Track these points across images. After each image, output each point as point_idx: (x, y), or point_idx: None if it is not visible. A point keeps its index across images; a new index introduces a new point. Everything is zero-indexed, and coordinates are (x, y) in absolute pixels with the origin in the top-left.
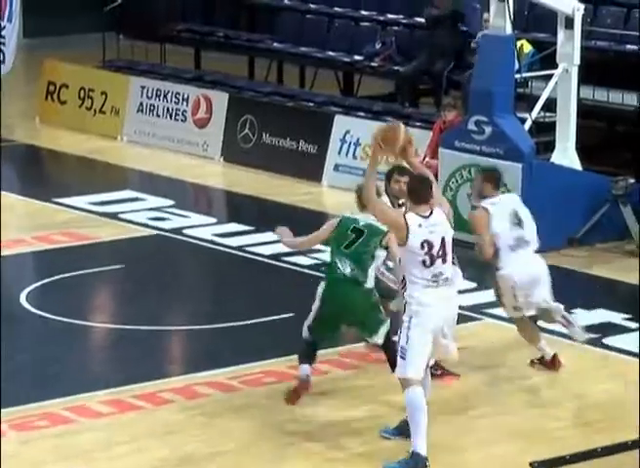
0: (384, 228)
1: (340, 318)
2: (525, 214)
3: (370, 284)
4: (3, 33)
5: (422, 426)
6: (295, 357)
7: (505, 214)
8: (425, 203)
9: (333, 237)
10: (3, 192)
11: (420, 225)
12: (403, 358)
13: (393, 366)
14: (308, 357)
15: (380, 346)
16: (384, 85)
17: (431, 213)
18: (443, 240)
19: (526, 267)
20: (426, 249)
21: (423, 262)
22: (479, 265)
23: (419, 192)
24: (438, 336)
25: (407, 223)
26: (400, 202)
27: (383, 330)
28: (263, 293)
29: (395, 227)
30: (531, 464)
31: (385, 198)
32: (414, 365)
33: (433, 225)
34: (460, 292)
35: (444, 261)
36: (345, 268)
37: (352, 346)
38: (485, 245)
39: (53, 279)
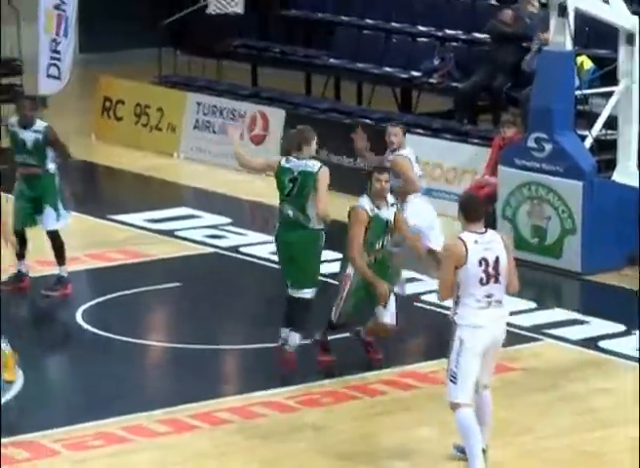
0: (316, 170)
1: (287, 256)
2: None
3: (313, 225)
4: (59, 48)
5: (476, 448)
6: (350, 377)
7: None
8: (478, 220)
9: (277, 187)
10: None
11: (476, 241)
12: (454, 382)
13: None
14: None
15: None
16: (443, 101)
17: (486, 230)
18: (497, 259)
19: None
20: (484, 266)
21: (480, 280)
22: (540, 286)
23: (471, 209)
24: (486, 357)
25: (464, 242)
26: (390, 203)
27: (310, 292)
28: (320, 313)
29: (455, 251)
30: None
31: (366, 199)
32: (464, 390)
33: (488, 243)
34: (520, 311)
35: (496, 281)
36: (288, 212)
37: (411, 367)
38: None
39: (108, 297)
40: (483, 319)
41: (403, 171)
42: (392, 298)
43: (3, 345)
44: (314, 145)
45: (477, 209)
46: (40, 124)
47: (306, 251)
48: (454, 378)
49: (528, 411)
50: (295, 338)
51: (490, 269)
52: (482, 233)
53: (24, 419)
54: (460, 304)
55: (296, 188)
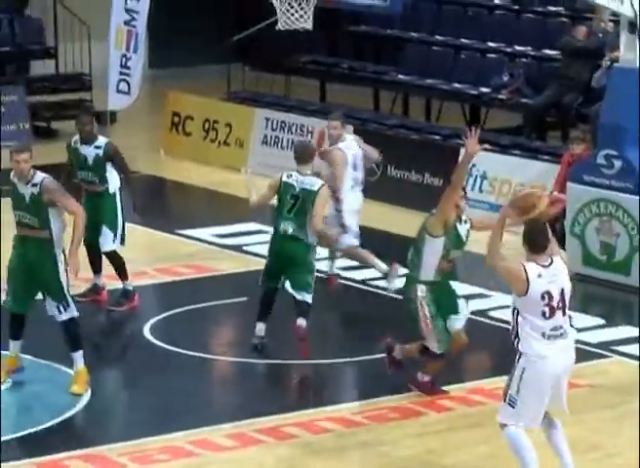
0: (316, 189)
1: (282, 269)
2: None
3: (309, 240)
4: (129, 64)
5: (531, 464)
6: (417, 393)
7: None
8: (543, 251)
9: (278, 204)
10: (128, 223)
11: (539, 275)
12: (512, 407)
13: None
14: (264, 312)
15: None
16: (512, 117)
17: (552, 262)
18: (562, 291)
19: None
20: (547, 300)
21: (543, 314)
22: (608, 302)
23: (536, 240)
24: (555, 387)
25: (527, 275)
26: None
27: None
28: (389, 327)
29: (516, 280)
30: None
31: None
32: (521, 417)
33: (554, 275)
34: (587, 328)
35: (564, 313)
36: (288, 229)
37: (479, 382)
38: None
39: (176, 311)
40: (548, 351)
41: (334, 165)
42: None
43: (79, 362)
44: (314, 161)
45: (542, 239)
46: (102, 140)
47: (304, 261)
48: (512, 403)
49: (596, 428)
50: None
51: (554, 302)
52: (547, 266)
53: (92, 432)
54: (524, 333)
55: (297, 206)
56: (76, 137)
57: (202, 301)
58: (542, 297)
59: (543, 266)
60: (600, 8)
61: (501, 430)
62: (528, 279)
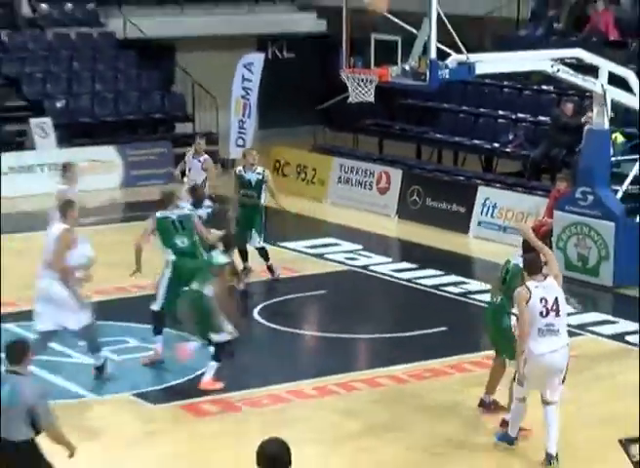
0: (193, 214)
1: (183, 282)
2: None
3: (201, 254)
4: (244, 126)
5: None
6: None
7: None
8: (539, 273)
9: (160, 237)
10: None
11: (537, 286)
12: (520, 385)
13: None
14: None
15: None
16: (515, 164)
17: (545, 277)
18: (556, 299)
19: None
20: (544, 302)
21: (541, 313)
22: (582, 296)
23: (532, 266)
24: (550, 378)
25: (528, 287)
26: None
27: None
28: (426, 312)
29: (522, 294)
30: (620, 441)
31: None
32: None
33: (547, 287)
34: (569, 314)
35: (557, 315)
36: (182, 245)
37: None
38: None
39: (276, 300)
40: (542, 347)
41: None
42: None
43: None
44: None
45: (537, 265)
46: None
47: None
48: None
49: (571, 387)
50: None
51: (549, 305)
52: (542, 280)
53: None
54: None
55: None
56: (239, 168)
57: (294, 293)
58: (540, 301)
59: (539, 281)
60: None
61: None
62: (529, 290)
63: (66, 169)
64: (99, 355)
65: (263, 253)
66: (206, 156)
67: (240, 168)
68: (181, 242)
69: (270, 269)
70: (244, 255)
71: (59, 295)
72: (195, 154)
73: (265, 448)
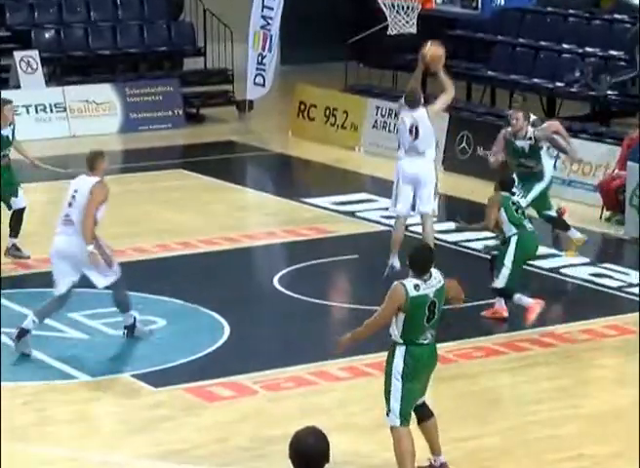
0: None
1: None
2: None
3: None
4: (264, 61)
5: None
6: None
7: None
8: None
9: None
10: (261, 192)
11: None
12: None
13: None
14: None
15: None
16: (582, 106)
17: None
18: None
19: None
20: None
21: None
22: None
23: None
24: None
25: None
26: None
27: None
28: (475, 280)
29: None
30: None
31: None
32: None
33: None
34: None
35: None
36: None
37: (551, 328)
38: None
39: (299, 266)
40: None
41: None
42: None
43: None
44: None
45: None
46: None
47: None
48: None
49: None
50: None
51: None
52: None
53: (230, 364)
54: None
55: None
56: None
57: (321, 257)
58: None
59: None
60: None
61: None
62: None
63: None
64: (129, 314)
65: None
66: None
67: (508, 130)
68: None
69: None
70: None
71: (83, 252)
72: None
73: (301, 441)
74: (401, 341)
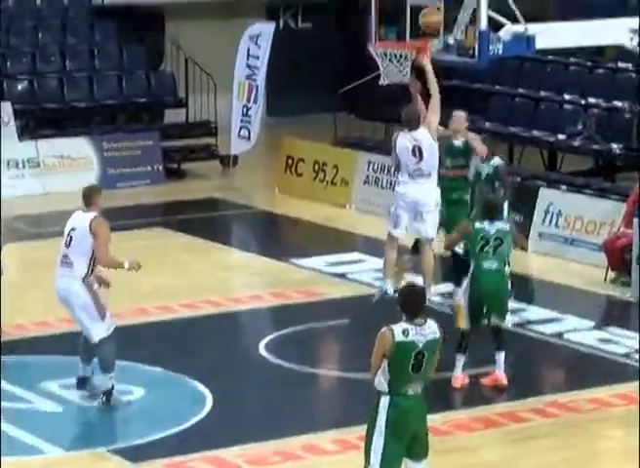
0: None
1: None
2: None
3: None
4: (249, 113)
5: None
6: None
7: None
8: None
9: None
10: (246, 252)
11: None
12: None
13: None
14: None
15: None
16: (585, 161)
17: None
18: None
19: None
20: None
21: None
22: None
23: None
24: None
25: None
26: None
27: None
28: (474, 347)
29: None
30: None
31: None
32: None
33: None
34: None
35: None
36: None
37: (554, 396)
38: None
39: (288, 331)
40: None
41: None
42: None
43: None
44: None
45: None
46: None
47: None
48: None
49: None
50: None
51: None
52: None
53: (212, 437)
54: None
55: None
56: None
57: (309, 322)
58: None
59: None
60: None
61: None
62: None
63: None
64: (107, 377)
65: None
66: None
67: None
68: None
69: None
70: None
71: (83, 300)
72: None
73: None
74: (386, 391)
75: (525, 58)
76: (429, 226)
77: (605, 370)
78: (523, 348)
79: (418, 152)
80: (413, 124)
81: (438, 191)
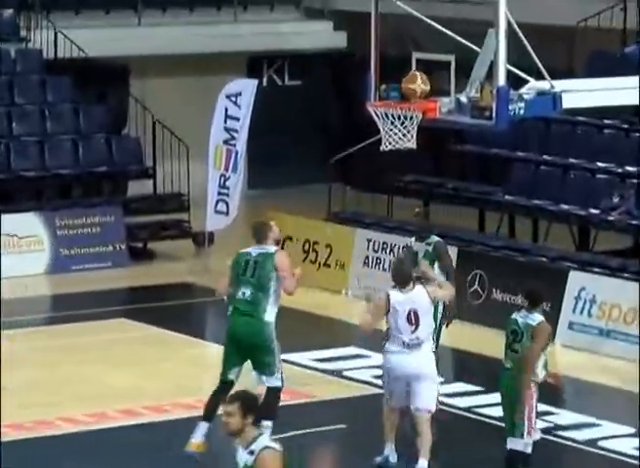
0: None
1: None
2: None
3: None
4: (227, 184)
5: None
6: None
7: None
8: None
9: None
10: (222, 347)
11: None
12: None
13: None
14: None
15: None
16: (622, 239)
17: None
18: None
19: None
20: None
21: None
22: None
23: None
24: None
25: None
26: None
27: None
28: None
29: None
30: None
31: None
32: None
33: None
34: None
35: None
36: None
37: None
38: None
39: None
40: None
41: None
42: None
43: None
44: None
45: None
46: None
47: None
48: None
49: None
50: None
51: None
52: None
53: None
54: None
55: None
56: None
57: (299, 428)
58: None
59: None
60: None
61: None
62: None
63: None
64: None
65: None
66: None
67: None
68: None
69: None
70: None
71: None
72: None
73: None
74: None
75: (551, 120)
76: (425, 397)
77: None
78: (552, 457)
79: (414, 318)
80: (403, 283)
81: (434, 357)
